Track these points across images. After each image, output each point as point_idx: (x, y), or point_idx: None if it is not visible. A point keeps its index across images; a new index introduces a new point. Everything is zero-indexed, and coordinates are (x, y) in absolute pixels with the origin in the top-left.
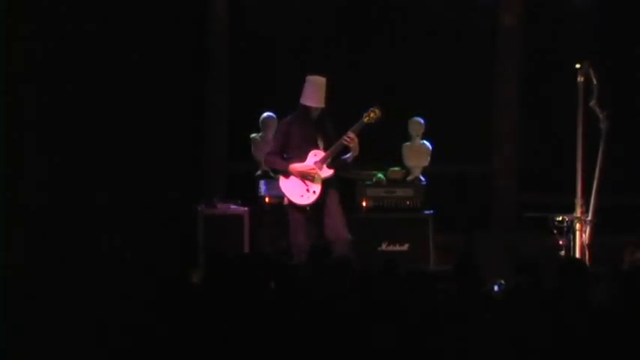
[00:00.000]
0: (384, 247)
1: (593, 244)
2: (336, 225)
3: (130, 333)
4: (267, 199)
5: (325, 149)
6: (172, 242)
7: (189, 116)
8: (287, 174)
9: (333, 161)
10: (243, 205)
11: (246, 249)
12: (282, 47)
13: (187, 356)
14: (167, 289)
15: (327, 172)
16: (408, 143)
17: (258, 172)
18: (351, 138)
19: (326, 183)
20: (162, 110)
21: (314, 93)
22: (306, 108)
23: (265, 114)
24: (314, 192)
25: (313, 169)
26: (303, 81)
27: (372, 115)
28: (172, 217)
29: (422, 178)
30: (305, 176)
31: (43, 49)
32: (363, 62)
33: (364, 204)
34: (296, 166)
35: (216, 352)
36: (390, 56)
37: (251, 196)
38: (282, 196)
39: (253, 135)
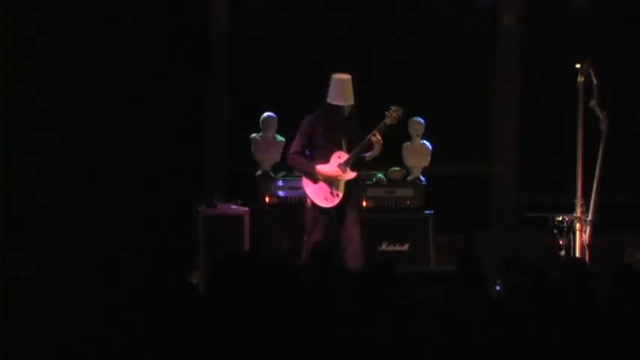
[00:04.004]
0: (384, 247)
1: (593, 244)
2: (352, 227)
3: (129, 334)
4: (267, 199)
5: (348, 150)
6: (172, 242)
7: (189, 116)
8: (314, 177)
9: (355, 161)
10: (243, 205)
11: (247, 249)
12: (282, 47)
13: (187, 356)
14: (167, 289)
15: (351, 175)
16: (408, 143)
17: (259, 172)
18: (377, 139)
19: (348, 185)
20: (163, 110)
21: (341, 91)
22: (334, 107)
23: (265, 114)
24: (337, 195)
25: (339, 174)
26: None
27: (393, 114)
28: (172, 217)
29: (422, 178)
30: (331, 181)
31: (45, 51)
32: (363, 62)
33: (364, 204)
34: (322, 170)
35: (216, 352)
36: (391, 56)
37: (251, 196)
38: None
39: (253, 135)
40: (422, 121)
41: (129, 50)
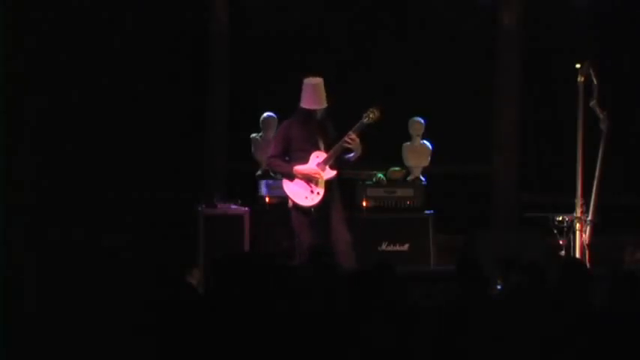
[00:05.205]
0: (384, 247)
1: (593, 244)
2: (338, 226)
3: (128, 333)
4: (267, 199)
5: (326, 150)
6: (172, 242)
7: (189, 116)
8: (291, 176)
9: (335, 161)
10: (243, 205)
11: (247, 249)
12: (282, 47)
13: (186, 356)
14: (167, 289)
15: (330, 173)
16: (408, 143)
17: (259, 172)
18: (352, 139)
19: (329, 184)
20: (163, 110)
21: (314, 95)
22: (308, 111)
23: (265, 114)
24: (318, 193)
25: (317, 172)
26: (301, 84)
27: (371, 115)
28: (172, 217)
29: (422, 178)
30: (309, 178)
31: (45, 50)
32: (363, 62)
33: (364, 204)
34: (300, 169)
35: (215, 352)
36: (390, 56)
37: (251, 196)
38: (283, 196)
39: (253, 135)
40: (422, 121)
41: (129, 50)
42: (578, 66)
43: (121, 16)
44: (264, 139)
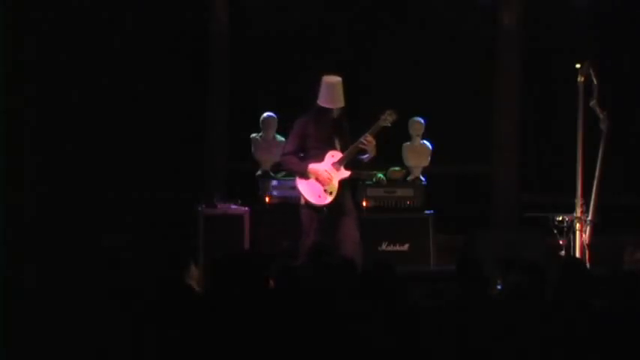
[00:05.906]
0: (384, 247)
1: (593, 244)
2: (348, 225)
3: (128, 333)
4: (267, 199)
5: (342, 149)
6: (172, 242)
7: (189, 116)
8: (305, 176)
9: (349, 161)
10: (243, 205)
11: (247, 249)
12: (282, 47)
13: (186, 356)
14: (166, 289)
15: (344, 174)
16: (408, 143)
17: (259, 172)
18: (368, 140)
19: (342, 184)
20: (163, 110)
21: (332, 94)
22: (324, 109)
23: (265, 114)
24: (331, 193)
25: (329, 177)
26: (318, 81)
27: (388, 117)
28: (172, 217)
29: (422, 178)
30: (322, 181)
31: (45, 50)
32: (363, 62)
33: (364, 204)
34: (314, 168)
35: (215, 352)
36: (391, 56)
37: (251, 196)
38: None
39: (253, 135)
40: (422, 121)
41: (129, 50)
42: (578, 66)
43: (121, 16)
44: (264, 139)
